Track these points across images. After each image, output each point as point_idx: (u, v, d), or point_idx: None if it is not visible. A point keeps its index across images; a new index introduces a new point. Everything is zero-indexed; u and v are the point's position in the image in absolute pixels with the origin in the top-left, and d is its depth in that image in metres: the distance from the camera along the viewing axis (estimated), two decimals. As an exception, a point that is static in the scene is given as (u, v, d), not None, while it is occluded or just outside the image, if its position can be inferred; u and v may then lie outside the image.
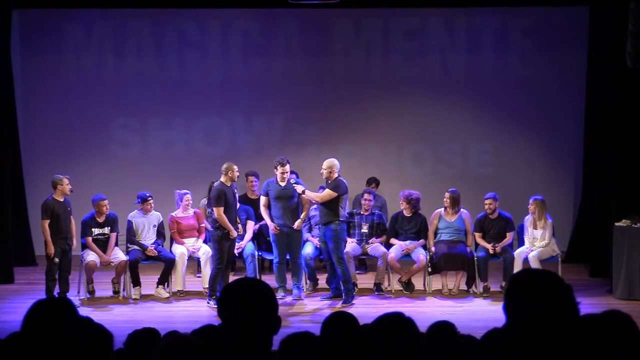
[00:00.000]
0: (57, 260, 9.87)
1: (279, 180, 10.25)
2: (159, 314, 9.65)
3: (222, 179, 9.92)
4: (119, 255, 10.37)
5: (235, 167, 9.95)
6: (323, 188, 10.85)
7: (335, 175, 9.89)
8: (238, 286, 2.88)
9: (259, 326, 2.78)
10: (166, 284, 10.42)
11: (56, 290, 9.97)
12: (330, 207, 9.84)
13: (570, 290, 2.59)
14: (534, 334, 2.52)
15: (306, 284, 10.64)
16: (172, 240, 10.73)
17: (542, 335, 2.52)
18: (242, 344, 2.77)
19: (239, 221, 10.39)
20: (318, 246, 10.48)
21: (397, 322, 3.03)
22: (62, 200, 10.04)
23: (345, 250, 10.14)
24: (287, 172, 10.20)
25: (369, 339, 3.00)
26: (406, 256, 10.59)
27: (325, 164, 9.94)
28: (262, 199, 10.32)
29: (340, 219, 9.89)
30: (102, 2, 12.51)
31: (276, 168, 10.24)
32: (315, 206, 10.97)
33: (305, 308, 9.80)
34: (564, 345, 2.52)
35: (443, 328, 3.93)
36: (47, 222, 9.89)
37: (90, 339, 3.14)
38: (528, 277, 2.63)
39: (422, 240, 10.69)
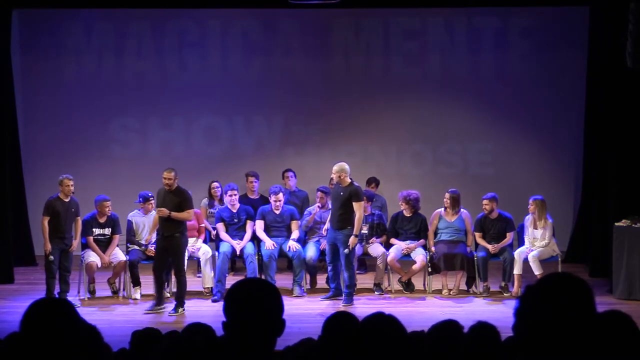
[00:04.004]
0: (52, 258, 9.89)
1: (273, 208, 10.69)
2: (159, 313, 9.64)
3: None
4: (118, 255, 10.37)
5: (165, 174, 9.67)
6: (321, 190, 10.88)
7: (348, 180, 9.85)
8: (246, 286, 2.87)
9: (263, 327, 2.78)
10: (166, 284, 10.41)
11: (56, 290, 9.98)
12: (347, 212, 9.82)
13: (591, 293, 2.57)
14: (546, 338, 2.51)
15: (306, 283, 10.67)
16: (172, 240, 10.71)
17: (554, 339, 2.51)
18: (245, 344, 2.77)
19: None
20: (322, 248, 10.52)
21: (380, 322, 3.04)
22: (66, 200, 10.05)
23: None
24: (280, 200, 10.63)
25: (360, 341, 3.01)
26: (406, 256, 10.60)
27: (336, 167, 9.89)
28: (259, 223, 10.68)
29: None
30: (102, 3, 12.51)
31: (270, 196, 10.77)
32: (316, 206, 10.98)
33: (305, 308, 9.80)
34: (570, 348, 2.51)
35: (448, 327, 3.90)
36: (46, 220, 9.94)
37: (83, 336, 3.14)
38: (550, 282, 2.60)
39: (422, 240, 10.69)
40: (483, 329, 3.71)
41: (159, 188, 9.80)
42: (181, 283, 9.69)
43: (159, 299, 9.63)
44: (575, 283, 2.58)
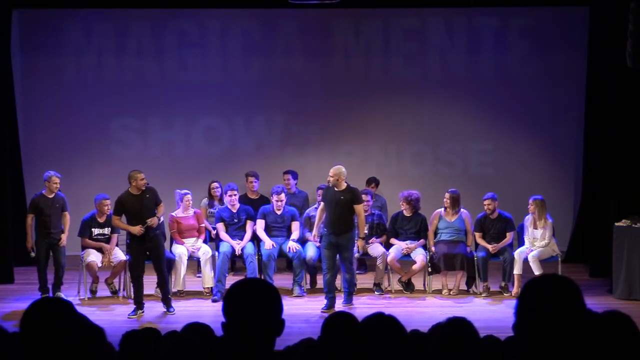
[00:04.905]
0: (33, 254, 10.18)
1: (275, 208, 10.72)
2: (159, 314, 9.65)
3: (129, 187, 9.59)
4: (118, 255, 10.38)
5: (139, 175, 9.52)
6: (322, 188, 10.88)
7: (344, 184, 9.74)
8: (245, 286, 2.87)
9: (262, 327, 2.78)
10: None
11: (52, 286, 10.19)
12: (349, 215, 9.72)
13: (580, 294, 2.61)
14: (543, 336, 2.53)
15: (306, 283, 10.67)
16: (172, 240, 10.73)
17: (551, 338, 2.53)
18: (245, 344, 2.77)
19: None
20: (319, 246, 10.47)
21: (380, 322, 3.05)
22: (51, 196, 10.17)
23: None
24: (282, 200, 10.67)
25: (360, 342, 3.01)
26: (406, 256, 10.60)
27: (333, 171, 9.74)
28: (259, 222, 10.69)
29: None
30: (102, 3, 12.51)
31: (272, 196, 10.77)
32: (315, 206, 10.98)
33: (305, 308, 9.80)
34: (569, 346, 2.53)
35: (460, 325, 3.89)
36: (29, 217, 10.24)
37: (84, 335, 3.14)
38: (541, 283, 2.64)
39: (422, 240, 10.69)
40: (458, 324, 3.72)
41: (120, 195, 9.57)
42: (167, 282, 9.75)
43: (142, 303, 9.59)
44: (562, 282, 2.60)
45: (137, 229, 9.44)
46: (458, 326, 3.67)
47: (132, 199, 9.51)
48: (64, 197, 10.34)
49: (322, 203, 9.99)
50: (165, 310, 9.64)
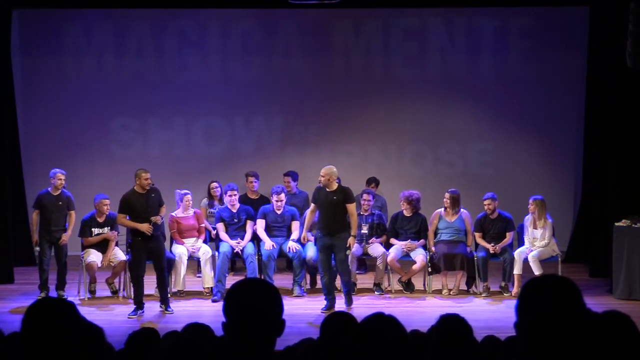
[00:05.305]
0: (37, 249, 10.33)
1: (275, 208, 10.70)
2: (159, 314, 9.64)
3: (134, 186, 9.62)
4: (118, 255, 10.38)
5: (144, 175, 9.55)
6: (318, 189, 10.87)
7: (335, 184, 9.71)
8: (246, 286, 2.87)
9: (262, 327, 2.78)
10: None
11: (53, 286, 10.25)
12: (342, 216, 9.68)
13: (580, 294, 2.61)
14: (543, 337, 2.54)
15: (306, 283, 10.67)
16: (172, 240, 10.73)
17: (551, 338, 2.54)
18: (245, 344, 2.77)
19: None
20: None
21: (380, 322, 3.05)
22: (56, 193, 10.25)
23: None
24: (282, 200, 10.63)
25: (360, 342, 3.01)
26: (406, 256, 10.60)
27: (324, 171, 9.68)
28: (260, 222, 10.65)
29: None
30: (102, 3, 12.51)
31: (272, 196, 10.74)
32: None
33: (305, 308, 9.80)
34: (569, 347, 2.53)
35: (455, 321, 3.89)
36: (35, 213, 10.39)
37: (84, 336, 3.15)
38: (541, 283, 2.64)
39: (422, 240, 10.69)
40: (450, 320, 3.74)
41: (126, 193, 9.58)
42: (166, 282, 9.77)
43: (142, 303, 9.58)
44: (562, 283, 2.61)
45: (146, 227, 9.45)
46: (451, 322, 3.69)
47: (138, 197, 9.55)
48: (71, 195, 10.39)
49: (312, 205, 9.94)
50: (163, 310, 9.64)
